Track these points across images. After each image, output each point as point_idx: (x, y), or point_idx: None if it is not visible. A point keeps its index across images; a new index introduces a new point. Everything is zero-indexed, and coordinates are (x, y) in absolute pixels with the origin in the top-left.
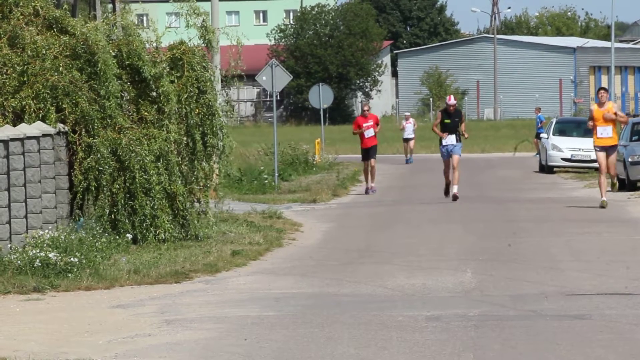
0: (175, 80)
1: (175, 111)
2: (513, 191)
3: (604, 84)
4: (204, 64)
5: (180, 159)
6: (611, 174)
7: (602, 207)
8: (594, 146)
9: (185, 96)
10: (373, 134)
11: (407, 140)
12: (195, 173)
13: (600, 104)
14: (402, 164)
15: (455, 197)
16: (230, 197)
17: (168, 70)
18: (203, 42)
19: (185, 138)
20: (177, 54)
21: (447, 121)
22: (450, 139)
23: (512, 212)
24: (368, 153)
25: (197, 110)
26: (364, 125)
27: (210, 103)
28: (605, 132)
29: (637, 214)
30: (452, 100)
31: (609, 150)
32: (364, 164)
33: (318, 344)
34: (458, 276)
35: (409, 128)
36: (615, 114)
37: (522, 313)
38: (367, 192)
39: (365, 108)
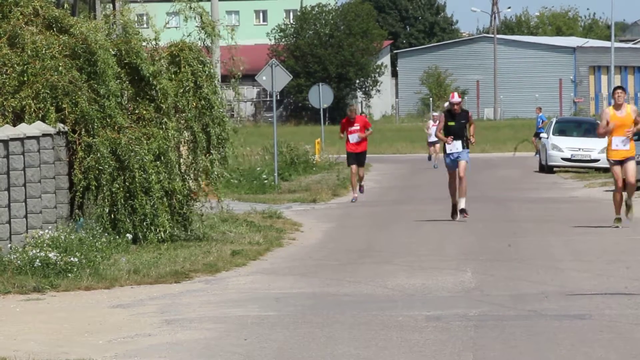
0: (173, 77)
1: (173, 106)
2: (513, 191)
3: (604, 84)
4: (201, 58)
5: (186, 154)
6: (630, 183)
7: (616, 226)
8: (608, 159)
9: (182, 91)
10: (358, 139)
11: (432, 144)
12: (200, 164)
13: (617, 106)
14: (421, 167)
15: (463, 213)
16: (230, 197)
17: (166, 67)
18: (204, 34)
19: (186, 132)
20: (175, 51)
21: (451, 123)
22: (455, 145)
23: (512, 212)
24: (355, 158)
25: (195, 104)
26: (350, 129)
27: (207, 96)
28: (622, 144)
29: (637, 213)
30: (455, 98)
31: (625, 160)
32: (350, 169)
33: (318, 344)
34: (458, 276)
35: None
36: (636, 121)
37: (523, 313)
38: (353, 200)
39: (351, 114)
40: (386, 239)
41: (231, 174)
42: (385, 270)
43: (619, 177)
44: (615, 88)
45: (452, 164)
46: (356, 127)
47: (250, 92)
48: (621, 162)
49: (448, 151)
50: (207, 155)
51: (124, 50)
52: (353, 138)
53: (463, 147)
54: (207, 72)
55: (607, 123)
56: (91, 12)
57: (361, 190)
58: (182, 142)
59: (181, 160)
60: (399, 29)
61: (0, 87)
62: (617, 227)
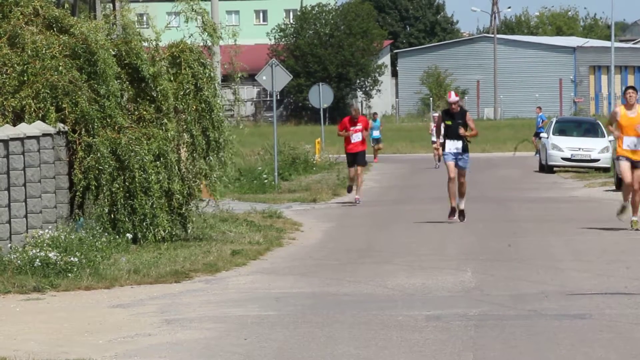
0: (173, 79)
1: (173, 107)
2: (513, 191)
3: (604, 84)
4: (201, 60)
5: (186, 155)
6: (635, 189)
7: (623, 206)
8: (617, 155)
9: (182, 93)
10: (361, 138)
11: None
12: (198, 167)
13: (628, 106)
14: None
15: (461, 214)
16: (230, 197)
17: (167, 67)
18: (206, 34)
19: (186, 135)
20: (175, 53)
21: (448, 123)
22: (456, 145)
23: (512, 212)
24: (355, 158)
25: (195, 106)
26: (352, 128)
27: (208, 99)
28: (634, 145)
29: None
30: (453, 97)
31: (635, 163)
32: (349, 171)
33: (318, 344)
34: (458, 276)
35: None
36: None
37: (523, 313)
38: (350, 194)
39: (355, 113)
40: (386, 239)
41: (229, 178)
42: (385, 270)
43: (626, 173)
44: (627, 88)
45: (452, 156)
46: (359, 126)
47: (250, 91)
48: (631, 161)
49: (447, 151)
50: (206, 159)
51: (124, 50)
52: (357, 137)
53: (464, 150)
54: (207, 75)
55: (616, 122)
56: (91, 12)
57: (358, 201)
58: (182, 144)
59: (180, 162)
60: (399, 28)
61: (0, 87)
62: (625, 206)
